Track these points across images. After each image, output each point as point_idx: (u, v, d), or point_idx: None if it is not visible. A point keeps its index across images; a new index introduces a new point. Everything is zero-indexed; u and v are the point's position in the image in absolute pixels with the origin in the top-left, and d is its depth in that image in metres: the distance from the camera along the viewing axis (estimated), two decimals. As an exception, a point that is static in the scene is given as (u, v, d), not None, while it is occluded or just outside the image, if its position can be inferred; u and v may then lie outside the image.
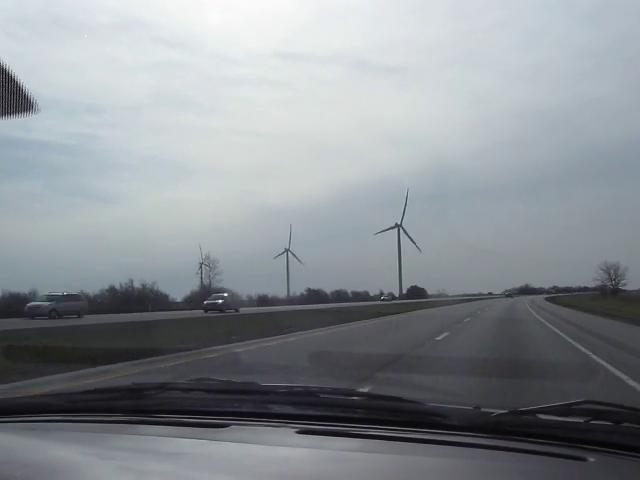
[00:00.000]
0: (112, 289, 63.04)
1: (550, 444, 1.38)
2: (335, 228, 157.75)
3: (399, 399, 1.68)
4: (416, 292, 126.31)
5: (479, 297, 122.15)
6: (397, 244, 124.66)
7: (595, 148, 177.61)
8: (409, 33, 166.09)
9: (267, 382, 1.95)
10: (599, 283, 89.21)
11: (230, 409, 1.73)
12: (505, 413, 1.50)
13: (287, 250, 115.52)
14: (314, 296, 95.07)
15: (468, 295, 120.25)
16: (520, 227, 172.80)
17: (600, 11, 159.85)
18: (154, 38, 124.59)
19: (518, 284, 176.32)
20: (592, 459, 1.29)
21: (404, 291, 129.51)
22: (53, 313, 31.12)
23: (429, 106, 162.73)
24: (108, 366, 10.40)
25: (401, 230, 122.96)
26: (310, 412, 1.67)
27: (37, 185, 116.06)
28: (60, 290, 35.00)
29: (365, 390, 1.87)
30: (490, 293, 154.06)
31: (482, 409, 1.56)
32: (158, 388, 1.92)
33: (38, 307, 31.68)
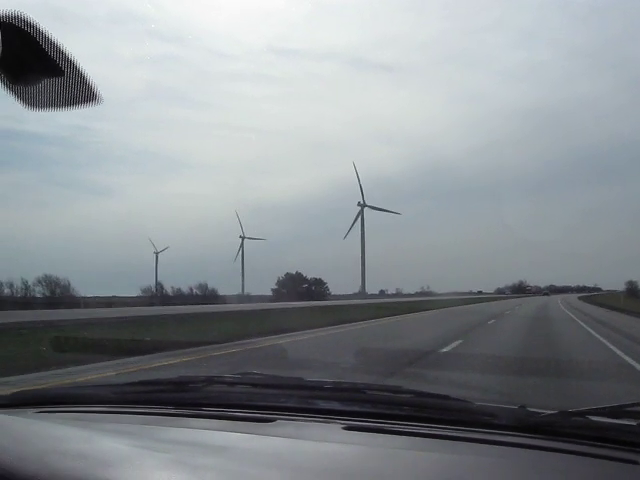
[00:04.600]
0: None
1: (601, 446, 1.35)
2: (329, 224, 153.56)
3: (446, 397, 1.67)
4: (293, 287, 79.21)
5: (472, 297, 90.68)
6: (361, 233, 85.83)
7: (590, 148, 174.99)
8: (405, 31, 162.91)
9: (311, 378, 1.96)
10: None
11: (276, 404, 1.75)
12: (554, 414, 1.48)
13: (243, 238, 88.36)
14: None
15: (459, 294, 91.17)
16: (514, 225, 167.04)
17: (595, 11, 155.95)
18: (149, 32, 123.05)
19: (510, 282, 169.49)
20: None
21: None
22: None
23: (424, 104, 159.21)
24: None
25: (366, 209, 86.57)
26: (357, 408, 1.67)
27: (30, 176, 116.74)
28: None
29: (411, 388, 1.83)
30: (480, 292, 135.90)
31: (529, 409, 1.54)
32: (204, 381, 1.94)
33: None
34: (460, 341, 14.50)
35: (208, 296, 68.85)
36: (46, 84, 1.20)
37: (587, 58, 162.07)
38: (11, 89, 1.20)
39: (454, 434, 1.47)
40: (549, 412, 1.49)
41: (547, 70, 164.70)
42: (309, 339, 16.13)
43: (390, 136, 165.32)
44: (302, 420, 1.63)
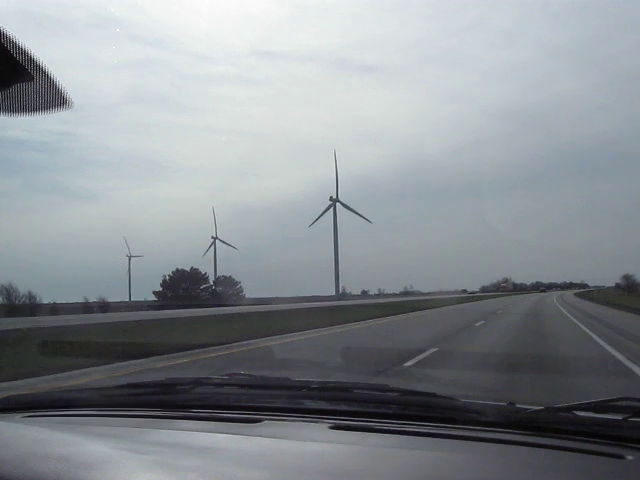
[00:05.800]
0: None
1: (587, 441, 1.35)
2: (313, 226, 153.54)
3: (433, 395, 1.67)
4: (186, 288, 61.75)
5: (453, 297, 73.85)
6: (333, 229, 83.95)
7: (573, 146, 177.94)
8: (387, 32, 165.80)
9: (299, 377, 1.96)
10: None
11: (263, 404, 1.74)
12: (541, 409, 1.48)
13: (215, 239, 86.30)
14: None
15: (443, 293, 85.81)
16: (499, 223, 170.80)
17: (576, 10, 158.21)
18: (131, 36, 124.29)
19: (495, 279, 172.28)
20: (630, 457, 1.26)
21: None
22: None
23: (407, 104, 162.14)
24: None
25: (339, 205, 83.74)
26: (344, 408, 1.67)
27: (14, 182, 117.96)
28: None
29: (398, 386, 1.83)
30: (464, 290, 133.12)
31: (517, 405, 1.55)
32: (192, 383, 1.94)
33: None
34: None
35: (37, 306, 50.72)
36: (16, 89, 1.18)
37: (569, 57, 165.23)
38: None
39: (441, 432, 1.47)
40: (535, 408, 1.49)
41: (529, 69, 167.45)
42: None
43: (374, 136, 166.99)
44: (289, 420, 1.63)
